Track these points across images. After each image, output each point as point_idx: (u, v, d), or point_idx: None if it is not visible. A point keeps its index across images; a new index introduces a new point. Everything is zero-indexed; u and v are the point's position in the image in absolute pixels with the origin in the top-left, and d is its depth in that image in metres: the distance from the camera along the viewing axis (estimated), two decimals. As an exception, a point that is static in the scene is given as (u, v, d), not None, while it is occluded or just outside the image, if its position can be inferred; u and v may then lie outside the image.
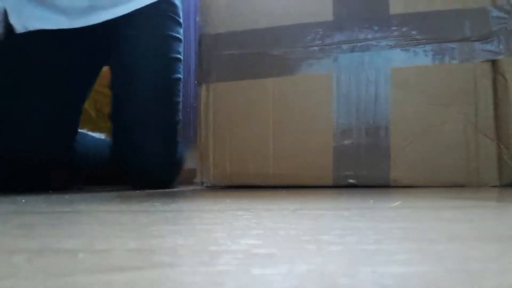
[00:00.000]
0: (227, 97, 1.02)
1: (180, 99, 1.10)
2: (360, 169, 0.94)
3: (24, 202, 0.69)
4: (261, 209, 0.51)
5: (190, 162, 2.06)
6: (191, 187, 1.11)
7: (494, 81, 0.92)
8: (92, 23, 0.97)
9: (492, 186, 0.90)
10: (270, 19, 1.02)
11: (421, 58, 0.94)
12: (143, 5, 1.00)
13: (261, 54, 1.01)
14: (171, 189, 1.11)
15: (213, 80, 1.03)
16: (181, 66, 1.09)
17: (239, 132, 1.01)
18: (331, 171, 0.95)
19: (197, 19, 1.09)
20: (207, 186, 1.04)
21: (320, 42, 0.98)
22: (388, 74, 0.94)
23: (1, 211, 0.54)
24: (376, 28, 0.96)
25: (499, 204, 0.57)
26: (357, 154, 0.95)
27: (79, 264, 0.23)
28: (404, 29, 0.95)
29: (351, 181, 0.95)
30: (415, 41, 0.94)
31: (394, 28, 0.95)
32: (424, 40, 0.94)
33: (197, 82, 1.06)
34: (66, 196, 0.81)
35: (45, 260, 0.24)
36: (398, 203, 0.56)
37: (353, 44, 0.97)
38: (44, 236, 0.32)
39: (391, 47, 0.95)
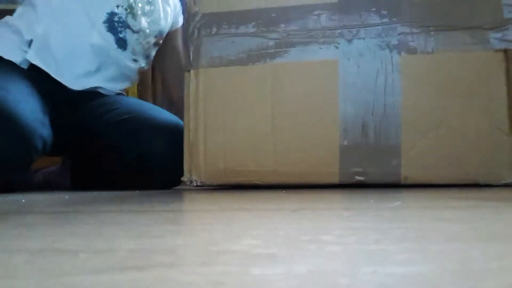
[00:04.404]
0: (219, 85, 0.91)
1: None
2: (369, 166, 0.86)
3: (24, 202, 0.69)
4: (261, 209, 0.51)
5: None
6: (178, 187, 1.10)
7: (508, 72, 0.85)
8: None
9: (506, 184, 0.84)
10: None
11: (431, 46, 0.86)
12: None
13: (258, 37, 0.91)
14: (170, 190, 1.11)
15: (203, 65, 0.91)
16: None
17: (234, 124, 0.90)
18: (337, 168, 0.86)
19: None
20: (196, 186, 0.92)
21: (324, 25, 0.89)
22: (397, 63, 0.86)
23: (1, 211, 0.54)
24: (384, 12, 0.88)
25: (499, 204, 0.57)
26: (366, 149, 0.86)
27: (79, 264, 0.23)
28: (413, 15, 0.88)
29: (359, 178, 0.86)
30: (425, 28, 0.87)
31: (403, 13, 0.88)
32: (433, 27, 0.86)
33: (185, 67, 0.95)
34: (67, 196, 0.81)
35: (45, 260, 0.24)
36: (398, 203, 0.56)
37: (359, 29, 0.88)
38: (44, 236, 0.32)
39: (399, 33, 0.87)
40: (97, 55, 1.09)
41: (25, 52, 1.04)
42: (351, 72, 0.87)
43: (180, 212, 0.50)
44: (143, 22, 1.14)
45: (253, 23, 0.91)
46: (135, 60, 1.15)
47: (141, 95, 1.65)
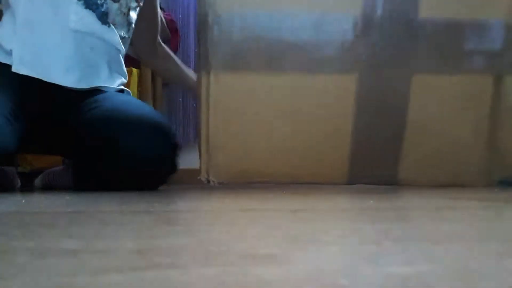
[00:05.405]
0: (239, 90, 0.90)
1: None
2: (373, 170, 0.93)
3: (24, 202, 0.69)
4: (261, 209, 0.51)
5: (189, 161, 2.06)
6: (178, 187, 1.09)
7: (494, 95, 0.93)
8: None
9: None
10: (291, 4, 0.89)
11: (441, 66, 0.92)
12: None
13: (278, 43, 0.89)
14: (170, 190, 1.11)
15: (222, 67, 0.90)
16: None
17: (254, 129, 0.91)
18: (346, 172, 0.93)
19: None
20: (213, 184, 0.94)
21: (346, 39, 0.89)
22: (410, 81, 0.92)
23: (2, 211, 0.54)
24: (401, 32, 0.91)
25: (499, 204, 0.57)
26: (372, 155, 0.93)
27: (79, 264, 0.23)
28: (429, 37, 0.91)
29: (363, 180, 0.94)
30: (437, 50, 0.91)
31: (420, 34, 0.91)
32: (443, 50, 0.91)
33: (202, 68, 0.92)
34: (67, 197, 0.81)
35: (45, 260, 0.24)
36: (398, 203, 0.56)
37: (377, 47, 0.91)
38: (44, 236, 0.32)
39: (414, 52, 0.92)
40: (81, 41, 1.02)
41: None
42: (366, 86, 0.90)
43: (180, 212, 0.50)
44: None
45: (273, 28, 0.89)
46: (119, 35, 1.08)
47: (141, 95, 1.65)
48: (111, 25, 1.07)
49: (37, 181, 1.23)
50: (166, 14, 2.06)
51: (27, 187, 1.24)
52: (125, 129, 1.00)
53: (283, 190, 0.88)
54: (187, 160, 2.10)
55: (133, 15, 1.13)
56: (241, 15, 0.89)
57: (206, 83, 0.90)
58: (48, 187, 1.20)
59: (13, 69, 1.00)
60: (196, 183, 1.09)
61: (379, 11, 0.89)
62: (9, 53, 1.02)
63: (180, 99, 2.08)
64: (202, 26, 0.91)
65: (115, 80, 1.13)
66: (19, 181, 1.22)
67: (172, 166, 1.07)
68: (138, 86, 1.66)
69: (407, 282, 0.18)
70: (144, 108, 1.05)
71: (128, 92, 1.18)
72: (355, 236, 0.30)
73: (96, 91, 1.08)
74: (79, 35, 1.03)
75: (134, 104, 1.06)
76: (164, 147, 1.02)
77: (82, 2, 1.03)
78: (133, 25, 1.14)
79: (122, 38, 1.11)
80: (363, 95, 0.90)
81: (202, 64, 0.91)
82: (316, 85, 0.90)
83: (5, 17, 1.06)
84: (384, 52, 0.91)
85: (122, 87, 1.16)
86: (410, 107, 0.92)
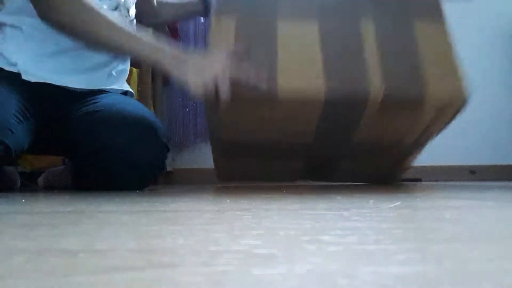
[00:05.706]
0: (234, 164, 1.22)
1: None
2: (317, 174, 1.28)
3: (24, 202, 0.69)
4: (261, 209, 0.51)
5: (189, 161, 2.06)
6: (179, 187, 1.10)
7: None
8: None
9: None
10: (269, 133, 1.09)
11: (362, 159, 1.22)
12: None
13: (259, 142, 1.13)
14: (170, 190, 1.11)
15: (221, 155, 1.19)
16: None
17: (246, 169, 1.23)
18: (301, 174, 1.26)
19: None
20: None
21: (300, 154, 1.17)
22: (339, 163, 1.21)
23: (1, 211, 0.54)
24: (338, 146, 1.14)
25: (499, 204, 0.57)
26: (319, 167, 1.25)
27: (79, 264, 0.23)
28: (357, 147, 1.12)
29: (311, 179, 1.30)
30: (362, 153, 1.17)
31: (352, 146, 1.12)
32: (366, 154, 1.17)
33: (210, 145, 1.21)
34: (67, 196, 0.81)
35: (45, 260, 0.24)
36: (398, 203, 0.56)
37: (319, 150, 1.14)
38: (44, 236, 0.32)
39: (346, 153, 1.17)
40: (86, 50, 1.03)
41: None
42: (314, 159, 1.19)
43: (180, 212, 0.50)
44: None
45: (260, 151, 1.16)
46: None
47: (141, 95, 1.65)
48: None
49: (40, 181, 1.23)
50: (166, 14, 2.05)
51: (27, 187, 1.24)
52: (113, 127, 1.00)
53: (283, 190, 0.88)
54: (188, 160, 2.10)
55: (132, 12, 1.14)
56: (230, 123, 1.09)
57: (213, 157, 1.21)
58: (49, 187, 1.20)
59: (23, 77, 1.01)
60: (197, 183, 1.09)
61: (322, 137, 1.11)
62: (14, 64, 1.03)
63: (180, 99, 2.07)
64: (209, 128, 1.16)
65: (120, 82, 1.14)
66: (19, 181, 1.22)
67: (160, 167, 1.07)
68: (138, 86, 1.66)
69: (407, 282, 0.18)
70: (137, 109, 1.06)
71: (132, 94, 1.18)
72: (355, 236, 0.30)
73: (99, 91, 1.09)
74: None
75: (128, 104, 1.06)
76: (153, 147, 1.02)
77: None
78: (134, 20, 1.15)
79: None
80: (312, 156, 1.18)
81: (211, 146, 1.19)
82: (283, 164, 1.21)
83: (8, 32, 1.06)
84: (323, 155, 1.17)
85: (127, 88, 1.16)
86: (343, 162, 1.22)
